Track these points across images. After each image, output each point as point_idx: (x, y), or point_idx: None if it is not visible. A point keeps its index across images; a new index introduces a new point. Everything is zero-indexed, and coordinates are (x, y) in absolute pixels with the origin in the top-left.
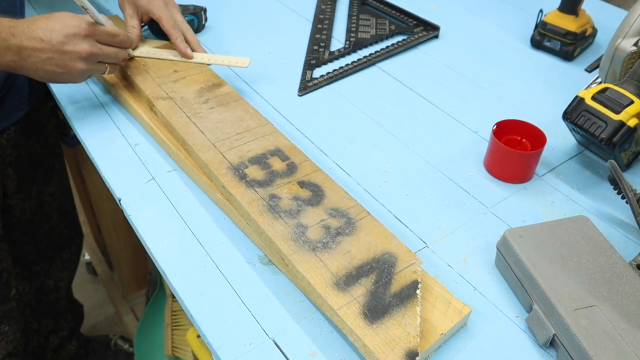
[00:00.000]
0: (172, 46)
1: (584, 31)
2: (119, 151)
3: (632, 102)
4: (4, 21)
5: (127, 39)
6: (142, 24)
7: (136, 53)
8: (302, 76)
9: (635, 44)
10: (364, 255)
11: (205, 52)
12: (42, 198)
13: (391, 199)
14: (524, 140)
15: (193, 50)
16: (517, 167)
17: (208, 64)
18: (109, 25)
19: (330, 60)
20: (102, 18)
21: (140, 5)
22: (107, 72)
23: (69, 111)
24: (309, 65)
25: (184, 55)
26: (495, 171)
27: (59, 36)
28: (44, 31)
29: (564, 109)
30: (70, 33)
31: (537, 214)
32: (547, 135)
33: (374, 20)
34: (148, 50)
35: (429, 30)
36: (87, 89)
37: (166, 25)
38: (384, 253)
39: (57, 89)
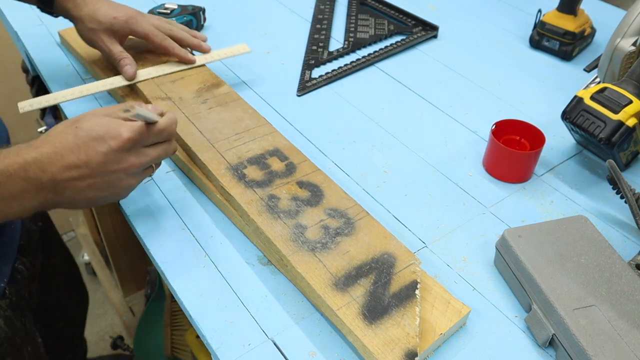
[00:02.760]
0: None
1: (583, 31)
2: None
3: (630, 101)
4: (24, 154)
5: (173, 123)
6: None
7: (141, 78)
8: (300, 76)
9: (634, 44)
10: (363, 256)
11: (206, 47)
12: (49, 273)
13: (390, 199)
14: (522, 140)
15: (194, 49)
16: (516, 167)
17: (211, 61)
18: (154, 114)
19: (329, 61)
20: (150, 113)
21: (117, 29)
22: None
23: (68, 112)
24: (307, 66)
25: (187, 61)
26: (494, 171)
27: (97, 156)
28: (78, 154)
29: (562, 108)
30: (111, 150)
31: (536, 214)
32: (546, 135)
33: (373, 20)
34: (149, 72)
35: (428, 30)
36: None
37: (156, 40)
38: (383, 253)
39: (58, 90)
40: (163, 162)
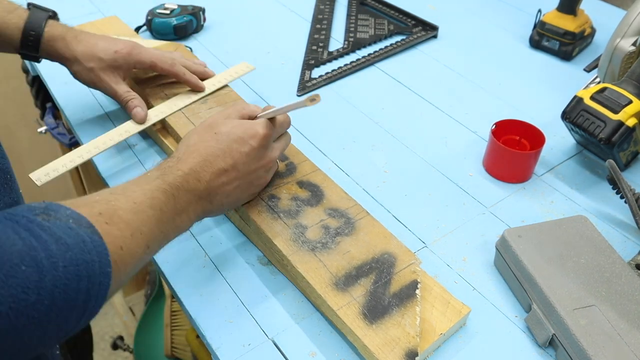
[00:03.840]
0: (177, 86)
1: (583, 31)
2: (118, 152)
3: (630, 101)
4: (180, 167)
5: (287, 115)
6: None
7: (154, 120)
8: (300, 76)
9: (634, 44)
10: (363, 256)
11: (210, 72)
12: None
13: (390, 199)
14: (522, 140)
15: (199, 75)
16: (516, 167)
17: (219, 87)
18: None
19: (329, 61)
20: (278, 109)
21: (121, 63)
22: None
23: (68, 112)
24: (307, 66)
25: (197, 88)
26: (494, 171)
27: (242, 157)
28: (224, 159)
29: (562, 108)
30: (252, 149)
31: (536, 214)
32: (546, 135)
33: (373, 20)
34: (162, 109)
35: (428, 30)
36: (86, 90)
37: (165, 67)
38: (383, 253)
39: (57, 94)
40: None
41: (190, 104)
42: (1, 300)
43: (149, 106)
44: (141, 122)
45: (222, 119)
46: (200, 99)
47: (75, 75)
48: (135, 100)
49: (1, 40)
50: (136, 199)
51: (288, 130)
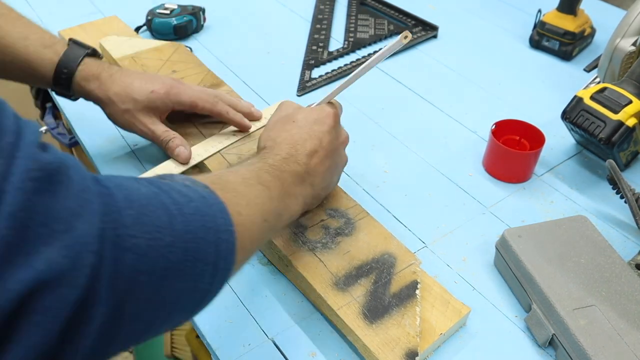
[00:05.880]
0: (214, 126)
1: (583, 31)
2: (118, 152)
3: (630, 101)
4: (275, 154)
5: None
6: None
7: (197, 159)
8: (300, 76)
9: (634, 44)
10: (363, 256)
11: (257, 113)
12: None
13: (390, 199)
14: (522, 140)
15: (245, 115)
16: (516, 167)
17: (260, 127)
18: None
19: (329, 61)
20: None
21: (158, 104)
22: None
23: (68, 112)
24: (307, 66)
25: (243, 128)
26: (494, 171)
27: (325, 136)
28: (312, 141)
29: (562, 108)
30: (331, 127)
31: (536, 214)
32: (546, 135)
33: (373, 20)
34: (205, 148)
35: (428, 30)
36: None
37: (207, 106)
38: (384, 253)
39: None
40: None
41: (235, 142)
42: (137, 234)
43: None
44: (185, 161)
45: (292, 110)
46: (242, 138)
47: (110, 117)
48: (177, 140)
49: (36, 75)
50: (244, 175)
51: None
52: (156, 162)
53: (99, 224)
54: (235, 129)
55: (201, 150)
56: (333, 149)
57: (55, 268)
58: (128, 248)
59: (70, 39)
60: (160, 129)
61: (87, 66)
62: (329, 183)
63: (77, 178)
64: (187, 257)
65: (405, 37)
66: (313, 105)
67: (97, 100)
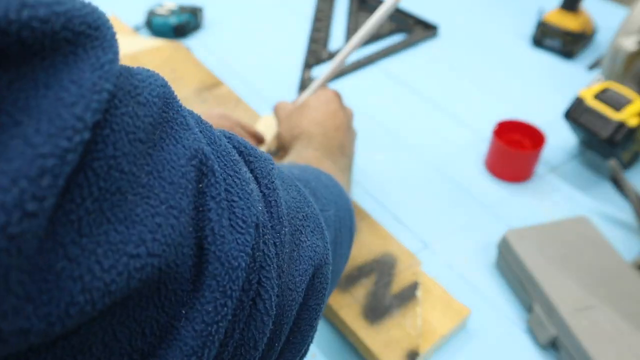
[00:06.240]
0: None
1: (585, 29)
2: None
3: (633, 101)
4: (308, 136)
5: None
6: None
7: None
8: (301, 75)
9: (638, 43)
10: (364, 256)
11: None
12: None
13: (391, 199)
14: (525, 140)
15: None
16: (518, 167)
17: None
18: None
19: (330, 59)
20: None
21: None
22: None
23: None
24: (307, 65)
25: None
26: (496, 171)
27: (339, 111)
28: (332, 119)
29: (565, 107)
30: (340, 105)
31: (537, 214)
32: (548, 135)
33: None
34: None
35: (429, 29)
36: None
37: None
38: (384, 254)
39: None
40: None
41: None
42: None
43: None
44: None
45: (299, 103)
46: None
47: None
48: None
49: None
50: (312, 155)
51: None
52: None
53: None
54: None
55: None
56: (348, 122)
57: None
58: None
59: None
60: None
61: None
62: (352, 151)
63: (283, 173)
64: (342, 223)
65: None
66: (306, 94)
67: None
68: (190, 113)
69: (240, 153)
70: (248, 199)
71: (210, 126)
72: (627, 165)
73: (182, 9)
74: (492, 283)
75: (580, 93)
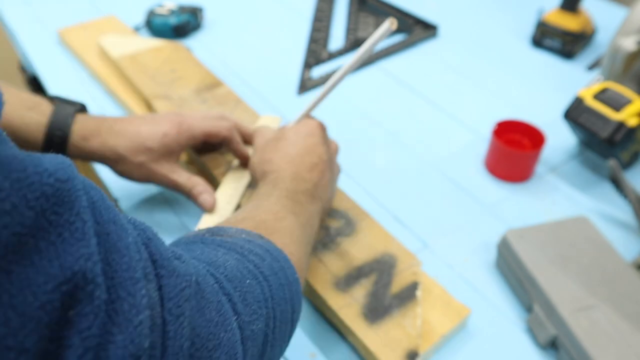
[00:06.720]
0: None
1: (585, 29)
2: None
3: (633, 101)
4: (282, 182)
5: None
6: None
7: (229, 208)
8: (301, 75)
9: (637, 43)
10: (363, 256)
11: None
12: None
13: (391, 199)
14: (524, 140)
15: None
16: (518, 167)
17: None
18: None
19: (330, 59)
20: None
21: (173, 147)
22: None
23: None
24: (307, 65)
25: (244, 160)
26: (496, 171)
27: (319, 147)
28: (309, 156)
29: (564, 107)
30: (321, 138)
31: (537, 214)
32: (548, 135)
33: (373, 19)
34: (230, 194)
35: (429, 28)
36: (84, 88)
37: (222, 133)
38: (384, 254)
39: (55, 91)
40: None
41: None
42: (250, 320)
43: (211, 177)
44: (210, 209)
45: (277, 131)
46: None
47: (124, 174)
48: (200, 187)
49: (23, 140)
50: (272, 210)
51: None
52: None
53: (238, 330)
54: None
55: (226, 196)
56: (329, 159)
57: None
58: (247, 337)
59: (54, 97)
60: (183, 177)
61: (83, 124)
62: (332, 193)
63: (207, 287)
64: (275, 324)
65: (392, 23)
66: (293, 121)
67: (103, 159)
68: (107, 208)
69: (154, 262)
70: (131, 333)
71: (133, 230)
72: (627, 165)
73: (182, 9)
74: (492, 283)
75: (580, 93)
